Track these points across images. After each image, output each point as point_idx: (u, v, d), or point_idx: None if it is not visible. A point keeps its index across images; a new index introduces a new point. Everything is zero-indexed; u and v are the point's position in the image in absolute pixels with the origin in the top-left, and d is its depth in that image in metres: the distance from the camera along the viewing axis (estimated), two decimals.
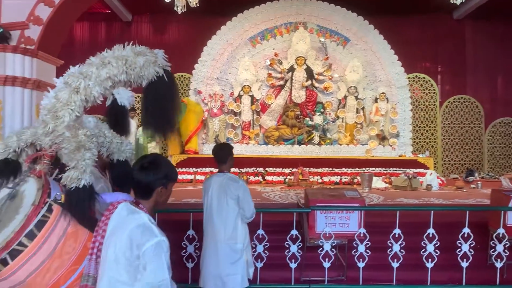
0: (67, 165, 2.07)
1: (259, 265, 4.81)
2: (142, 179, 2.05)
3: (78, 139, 2.12)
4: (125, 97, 3.31)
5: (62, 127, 2.15)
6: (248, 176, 10.63)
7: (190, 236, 4.79)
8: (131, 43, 2.30)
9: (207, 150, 11.23)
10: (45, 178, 2.14)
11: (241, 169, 10.78)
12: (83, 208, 2.06)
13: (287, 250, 4.87)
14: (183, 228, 4.84)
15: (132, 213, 1.98)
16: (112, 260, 1.93)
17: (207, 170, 10.62)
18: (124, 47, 2.27)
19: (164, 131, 2.37)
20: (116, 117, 3.27)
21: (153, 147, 9.50)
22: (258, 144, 11.65)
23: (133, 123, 10.43)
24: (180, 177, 10.21)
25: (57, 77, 2.67)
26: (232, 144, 10.97)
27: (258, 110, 11.81)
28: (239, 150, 11.34)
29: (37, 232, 1.97)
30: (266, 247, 4.82)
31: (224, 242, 3.64)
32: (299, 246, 4.86)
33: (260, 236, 4.81)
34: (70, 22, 7.21)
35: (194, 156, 11.02)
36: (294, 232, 4.84)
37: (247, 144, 11.54)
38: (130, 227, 1.92)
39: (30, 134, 2.27)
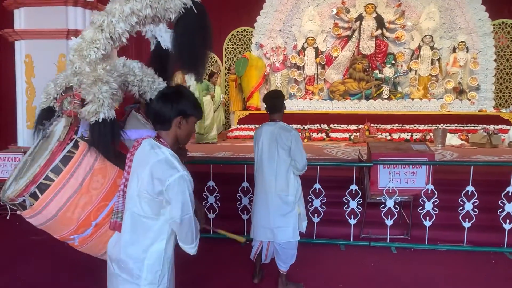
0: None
1: (316, 220, 4.61)
2: (160, 107, 1.92)
3: (96, 73, 2.04)
4: (168, 40, 3.19)
5: (85, 63, 2.04)
6: (311, 133, 10.31)
7: (245, 188, 4.70)
8: None
9: None
10: (75, 117, 2.12)
11: (303, 126, 10.50)
12: (106, 142, 2.01)
13: (346, 205, 4.62)
14: (238, 181, 4.73)
15: (154, 148, 1.89)
16: (135, 195, 1.89)
17: None
18: None
19: (195, 68, 2.26)
20: (160, 62, 3.19)
21: (208, 101, 9.39)
22: (322, 99, 11.20)
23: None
24: (241, 133, 10.16)
25: None
26: (295, 100, 10.93)
27: (322, 63, 11.27)
28: (302, 106, 11.01)
29: (62, 167, 1.97)
30: (323, 202, 4.60)
31: (275, 193, 3.46)
32: (359, 202, 4.57)
33: (317, 191, 4.58)
34: None
35: (255, 112, 10.87)
36: (353, 187, 4.55)
37: (310, 99, 11.14)
38: (151, 162, 1.84)
39: (63, 77, 2.24)
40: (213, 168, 4.79)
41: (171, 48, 2.52)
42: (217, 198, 4.76)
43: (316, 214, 4.62)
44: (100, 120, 1.98)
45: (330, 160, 6.62)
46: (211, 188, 4.73)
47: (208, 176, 4.72)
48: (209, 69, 10.92)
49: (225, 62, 12.80)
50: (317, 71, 11.33)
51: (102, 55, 2.09)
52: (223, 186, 4.80)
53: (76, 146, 2.02)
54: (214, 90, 9.48)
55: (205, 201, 4.76)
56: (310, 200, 4.62)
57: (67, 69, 2.25)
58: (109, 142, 2.03)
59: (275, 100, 3.58)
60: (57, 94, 2.24)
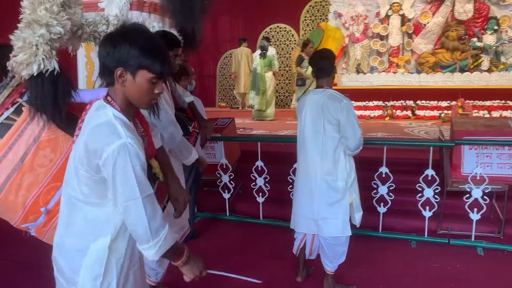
0: None
1: (382, 210, 3.89)
2: (101, 54, 1.40)
3: (35, 14, 1.59)
4: None
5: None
6: (394, 111, 9.28)
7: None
8: None
9: (347, 82, 10.12)
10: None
11: (386, 103, 9.49)
12: (45, 104, 1.59)
13: (420, 194, 3.81)
14: (290, 162, 4.15)
15: (98, 109, 1.42)
16: (73, 174, 1.44)
17: None
18: None
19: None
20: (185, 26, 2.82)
21: (270, 77, 8.81)
22: (409, 72, 9.97)
23: (271, 49, 9.88)
24: None
25: None
26: (377, 74, 9.89)
27: (410, 32, 10.00)
28: (385, 80, 9.91)
29: None
30: (391, 189, 3.84)
31: (320, 177, 2.83)
32: (436, 191, 3.74)
33: (384, 175, 3.83)
34: None
35: (334, 87, 10.02)
36: (429, 172, 3.72)
37: (394, 73, 9.97)
38: (89, 127, 1.39)
39: None
40: (261, 146, 4.25)
41: None
42: (267, 180, 4.22)
43: (382, 203, 3.88)
44: (35, 74, 1.56)
45: (404, 139, 5.70)
46: (259, 168, 4.21)
47: (256, 155, 4.19)
48: (303, 39, 10.17)
49: (302, 35, 12.06)
50: (403, 41, 10.09)
51: None
52: (273, 167, 4.24)
53: (18, 111, 1.62)
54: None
55: (254, 183, 4.26)
56: (375, 186, 3.89)
57: None
58: (50, 103, 1.59)
59: (323, 61, 2.91)
60: None
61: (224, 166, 4.27)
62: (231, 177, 4.33)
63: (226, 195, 4.35)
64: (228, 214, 4.43)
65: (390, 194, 3.85)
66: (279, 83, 12.41)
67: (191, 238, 3.90)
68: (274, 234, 4.05)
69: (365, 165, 4.04)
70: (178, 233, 2.70)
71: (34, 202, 1.66)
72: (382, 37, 10.17)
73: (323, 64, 2.90)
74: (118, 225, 1.43)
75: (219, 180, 4.34)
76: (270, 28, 12.55)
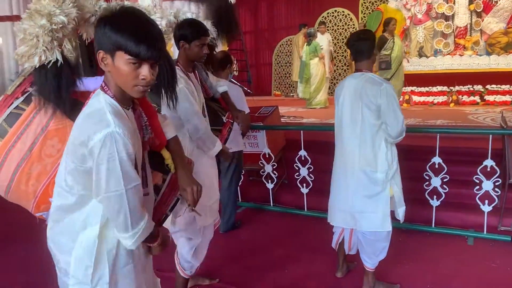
0: None
1: (435, 203, 3.60)
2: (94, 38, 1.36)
3: (38, 4, 1.57)
4: None
5: None
6: (460, 96, 8.65)
7: None
8: None
9: (408, 66, 9.53)
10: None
11: (451, 88, 8.87)
12: (47, 93, 1.58)
13: (477, 187, 3.48)
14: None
15: (93, 97, 1.38)
16: (62, 165, 1.42)
17: (408, 89, 9.07)
18: None
19: None
20: (219, 15, 2.94)
21: (315, 64, 8.50)
22: (477, 55, 9.21)
23: (324, 38, 9.57)
24: None
25: None
26: (441, 57, 9.24)
27: (478, 10, 9.20)
28: (450, 64, 9.23)
29: (8, 127, 1.62)
30: (445, 180, 3.54)
31: (358, 168, 2.65)
32: (497, 183, 3.39)
33: (436, 166, 3.54)
34: None
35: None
36: (488, 162, 3.38)
37: (461, 55, 9.25)
38: (81, 117, 1.35)
39: None
40: (304, 135, 4.09)
41: None
42: (311, 170, 4.07)
43: (435, 196, 3.59)
44: (36, 66, 1.55)
45: (460, 127, 5.24)
46: (302, 158, 4.06)
47: (299, 144, 4.05)
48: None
49: (361, 18, 11.57)
50: (471, 21, 9.32)
51: None
52: (318, 156, 4.08)
53: (28, 101, 1.62)
54: (393, 42, 7.07)
55: (297, 173, 4.13)
56: (427, 177, 3.60)
57: None
58: (54, 95, 1.57)
59: (361, 43, 2.67)
60: None
61: (267, 156, 4.17)
62: (275, 167, 4.23)
63: (270, 185, 4.26)
64: (272, 204, 4.34)
65: (444, 186, 3.55)
66: (337, 69, 12.05)
67: (232, 228, 3.87)
68: (318, 226, 3.89)
69: (416, 154, 3.79)
70: (209, 227, 2.66)
71: (44, 192, 1.67)
72: (447, 17, 9.48)
73: (362, 46, 2.68)
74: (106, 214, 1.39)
75: (263, 170, 4.26)
76: (328, 13, 12.18)
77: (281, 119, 5.59)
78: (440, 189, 3.57)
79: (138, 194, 1.34)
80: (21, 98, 1.64)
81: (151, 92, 2.49)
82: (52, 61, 1.58)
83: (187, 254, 2.56)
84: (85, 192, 1.37)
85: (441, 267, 3.09)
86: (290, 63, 12.45)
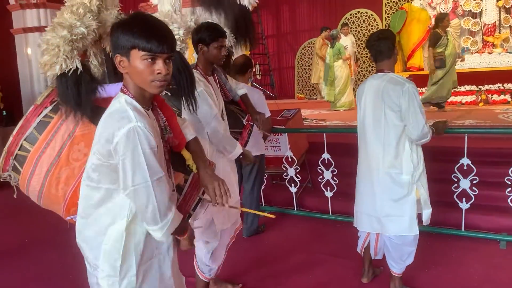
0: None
1: (465, 206, 3.48)
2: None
3: (61, 17, 1.67)
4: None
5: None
6: (489, 95, 8.37)
7: None
8: None
9: None
10: None
11: (479, 87, 8.60)
12: (69, 100, 1.66)
13: (509, 189, 3.35)
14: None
15: (114, 99, 1.45)
16: (89, 165, 1.48)
17: None
18: None
19: None
20: (236, 20, 3.00)
21: (339, 66, 8.40)
22: (507, 52, 8.92)
23: (348, 39, 9.47)
24: None
25: None
26: (469, 56, 8.99)
27: (508, 6, 8.92)
28: (478, 62, 8.98)
29: (38, 135, 1.71)
30: (474, 182, 3.43)
31: (382, 171, 2.59)
32: None
33: (465, 168, 3.42)
34: None
35: (417, 73, 9.31)
36: None
37: (489, 53, 8.98)
38: (103, 117, 1.43)
39: None
40: (331, 138, 4.04)
41: None
42: (335, 173, 4.01)
43: (464, 198, 3.48)
44: (58, 74, 1.63)
45: (488, 127, 5.06)
46: (326, 161, 4.01)
47: (322, 147, 3.99)
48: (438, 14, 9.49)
49: (385, 19, 11.41)
50: (500, 17, 9.04)
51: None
52: (342, 159, 4.02)
53: (56, 109, 1.71)
54: (447, 40, 6.83)
55: (321, 177, 4.08)
56: (455, 179, 3.49)
57: None
58: (74, 102, 1.65)
59: (380, 42, 2.61)
60: None
61: (290, 159, 4.14)
62: (298, 170, 4.19)
63: (293, 189, 4.22)
64: (296, 208, 4.30)
65: (474, 188, 3.44)
66: (361, 70, 11.90)
67: (256, 233, 3.85)
68: (343, 230, 3.83)
69: (443, 155, 3.68)
70: (230, 231, 2.65)
71: (72, 195, 1.73)
72: (474, 15, 9.25)
73: (381, 46, 2.62)
74: (134, 208, 1.43)
75: (285, 174, 4.23)
76: (350, 14, 12.06)
77: (304, 122, 5.55)
78: (470, 191, 3.45)
79: (164, 186, 1.38)
80: (50, 107, 1.73)
81: (171, 96, 2.51)
82: (72, 69, 1.65)
83: (205, 258, 2.58)
84: (112, 185, 1.42)
85: (471, 272, 2.98)
86: (312, 65, 12.39)
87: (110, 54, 1.98)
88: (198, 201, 1.74)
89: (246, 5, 2.95)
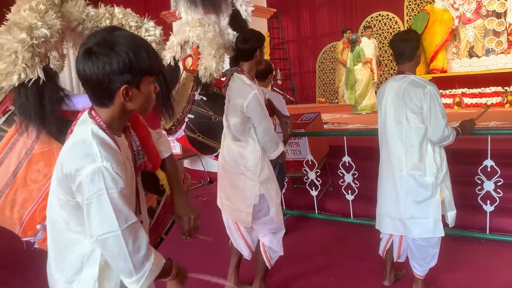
0: None
1: (489, 208, 3.43)
2: (85, 78, 1.20)
3: (18, 15, 1.44)
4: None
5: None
6: None
7: None
8: None
9: (458, 68, 9.17)
10: None
11: (505, 88, 8.41)
12: (29, 116, 1.45)
13: None
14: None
15: (79, 124, 1.27)
16: (54, 196, 1.28)
17: (458, 91, 8.73)
18: None
19: None
20: (236, 23, 3.01)
21: (359, 70, 8.34)
22: None
23: (371, 42, 9.42)
24: None
25: None
26: (493, 56, 8.81)
27: None
28: (503, 63, 8.77)
29: None
30: (498, 184, 3.37)
31: (406, 173, 2.58)
32: None
33: (489, 169, 3.37)
34: None
35: (440, 75, 9.16)
36: None
37: None
38: (66, 147, 1.24)
39: None
40: (352, 141, 4.04)
41: None
42: (355, 176, 4.00)
43: (489, 201, 3.42)
44: (15, 85, 1.41)
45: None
46: (347, 164, 4.00)
47: (343, 150, 3.99)
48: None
49: (407, 21, 11.28)
50: None
51: None
52: (363, 162, 4.00)
53: (10, 121, 1.48)
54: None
55: (342, 180, 4.07)
56: (479, 181, 3.43)
57: None
58: (35, 116, 1.45)
59: (404, 43, 2.60)
60: None
61: (310, 163, 4.15)
62: (318, 174, 4.20)
63: (314, 193, 4.22)
64: (317, 212, 4.30)
65: (498, 190, 3.37)
66: (383, 73, 11.79)
67: None
68: (365, 233, 3.82)
69: (466, 157, 3.63)
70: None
71: (30, 219, 1.56)
72: (499, 15, 9.05)
73: (404, 47, 2.62)
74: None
75: (306, 177, 4.24)
76: (371, 17, 11.97)
77: (325, 126, 5.55)
78: (494, 194, 3.39)
79: (137, 233, 1.20)
80: (3, 119, 1.51)
81: (207, 101, 2.59)
82: (33, 79, 1.44)
83: (277, 246, 2.76)
84: (80, 228, 1.23)
85: (496, 276, 2.93)
86: (334, 69, 12.36)
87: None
88: (172, 224, 1.61)
89: (246, 17, 3.01)
